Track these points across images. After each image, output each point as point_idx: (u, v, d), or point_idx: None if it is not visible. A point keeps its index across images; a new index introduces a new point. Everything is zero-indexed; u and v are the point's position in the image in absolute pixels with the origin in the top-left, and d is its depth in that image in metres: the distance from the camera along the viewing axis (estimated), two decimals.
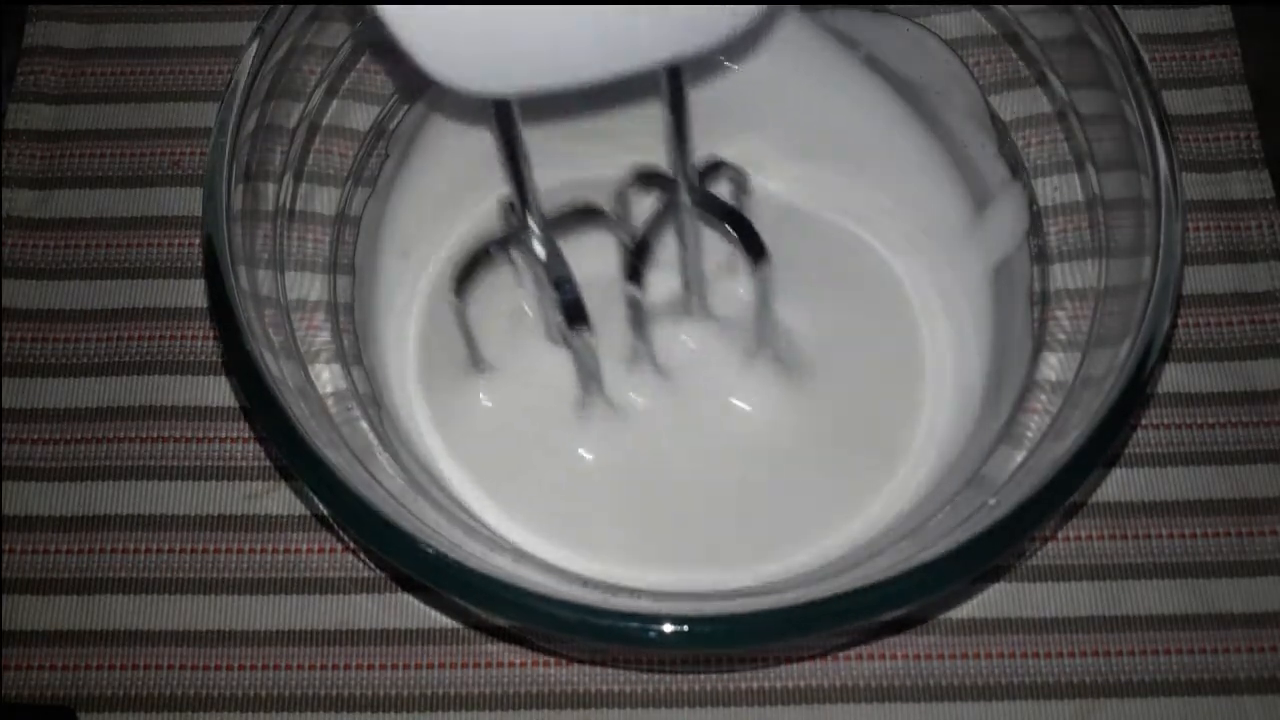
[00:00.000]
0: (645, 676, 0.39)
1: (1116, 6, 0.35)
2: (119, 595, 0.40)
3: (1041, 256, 0.39)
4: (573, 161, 0.40)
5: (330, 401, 0.34)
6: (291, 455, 0.31)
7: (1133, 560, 0.40)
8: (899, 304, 0.41)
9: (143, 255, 0.45)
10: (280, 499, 0.41)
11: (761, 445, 0.38)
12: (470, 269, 0.36)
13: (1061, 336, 0.36)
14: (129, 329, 0.44)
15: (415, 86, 0.42)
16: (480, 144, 0.40)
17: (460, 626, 0.39)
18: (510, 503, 0.37)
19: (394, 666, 0.39)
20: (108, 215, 0.45)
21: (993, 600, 0.40)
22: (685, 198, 0.35)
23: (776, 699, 0.39)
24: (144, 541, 0.41)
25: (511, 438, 0.38)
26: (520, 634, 0.39)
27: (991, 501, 0.31)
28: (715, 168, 0.37)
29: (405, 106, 0.42)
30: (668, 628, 0.29)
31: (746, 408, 0.38)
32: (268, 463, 0.42)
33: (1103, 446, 0.31)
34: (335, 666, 0.39)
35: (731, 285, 0.40)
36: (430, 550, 0.29)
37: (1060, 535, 0.40)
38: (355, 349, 0.38)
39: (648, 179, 0.37)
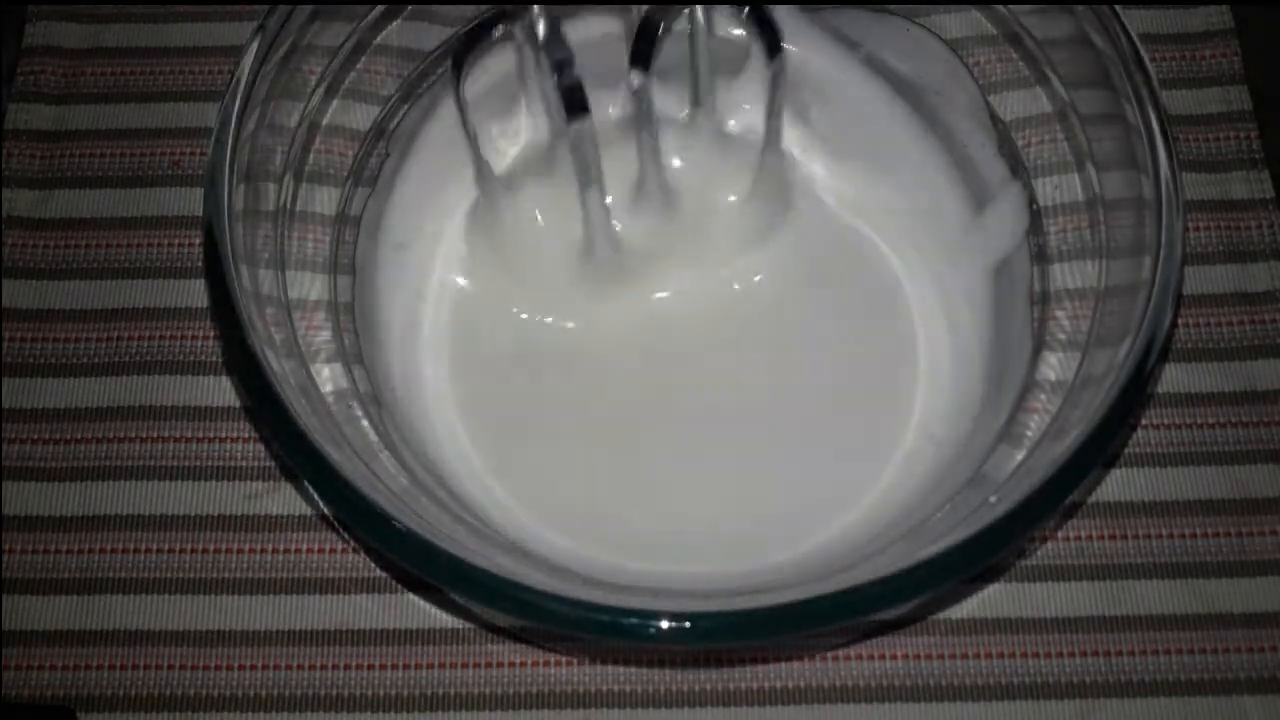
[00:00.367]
0: (645, 677, 0.39)
1: (1117, 6, 0.35)
2: (119, 595, 0.40)
3: (1041, 256, 0.39)
4: None
5: (331, 400, 0.34)
6: (294, 453, 0.31)
7: (1133, 560, 0.40)
8: (898, 303, 0.41)
9: (143, 255, 0.45)
10: (281, 499, 0.41)
11: (759, 439, 0.38)
12: (469, 46, 0.35)
13: (1061, 336, 0.36)
14: (129, 329, 0.44)
15: (415, 86, 0.42)
16: None
17: (461, 626, 0.39)
18: (520, 491, 0.38)
19: (395, 666, 0.39)
20: (108, 215, 0.45)
21: (992, 600, 0.40)
22: None
23: (776, 699, 0.39)
24: (144, 541, 0.41)
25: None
26: (521, 633, 0.39)
27: (992, 500, 0.31)
28: None
29: (405, 106, 0.42)
30: (665, 624, 0.29)
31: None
32: (268, 462, 0.42)
33: (1102, 446, 0.31)
34: (336, 666, 0.39)
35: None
36: (433, 547, 0.29)
37: (1060, 535, 0.40)
38: (356, 348, 0.38)
39: None
